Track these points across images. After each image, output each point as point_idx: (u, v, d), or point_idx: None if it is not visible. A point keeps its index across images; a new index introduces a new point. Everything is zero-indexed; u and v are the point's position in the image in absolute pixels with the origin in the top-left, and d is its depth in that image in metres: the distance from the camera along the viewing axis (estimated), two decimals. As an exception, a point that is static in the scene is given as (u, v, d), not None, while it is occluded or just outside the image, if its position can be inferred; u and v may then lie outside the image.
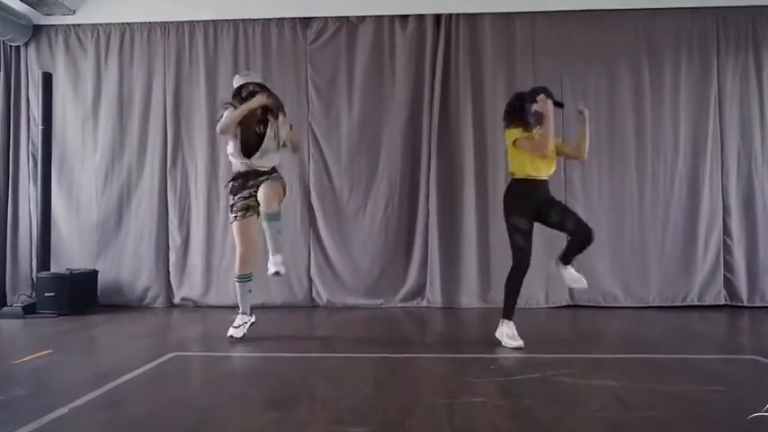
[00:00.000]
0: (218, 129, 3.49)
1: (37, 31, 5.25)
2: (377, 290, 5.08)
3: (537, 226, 3.44)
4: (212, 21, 5.20)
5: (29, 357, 3.07)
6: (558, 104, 3.46)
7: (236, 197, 3.54)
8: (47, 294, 4.55)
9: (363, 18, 5.14)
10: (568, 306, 5.03)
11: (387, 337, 3.71)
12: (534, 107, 3.36)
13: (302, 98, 5.14)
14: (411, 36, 5.11)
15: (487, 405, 2.22)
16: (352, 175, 5.12)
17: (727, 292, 5.04)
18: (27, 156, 5.23)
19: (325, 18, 5.15)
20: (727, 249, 5.05)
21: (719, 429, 2.03)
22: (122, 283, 5.11)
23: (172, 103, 5.19)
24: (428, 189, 5.08)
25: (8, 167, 5.22)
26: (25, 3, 4.90)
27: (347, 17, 5.14)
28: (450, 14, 5.10)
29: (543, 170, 3.40)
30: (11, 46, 5.25)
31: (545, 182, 3.44)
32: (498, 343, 3.31)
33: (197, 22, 5.21)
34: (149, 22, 5.23)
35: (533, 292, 5.00)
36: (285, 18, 5.16)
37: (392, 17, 5.12)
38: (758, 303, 5.00)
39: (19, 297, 4.88)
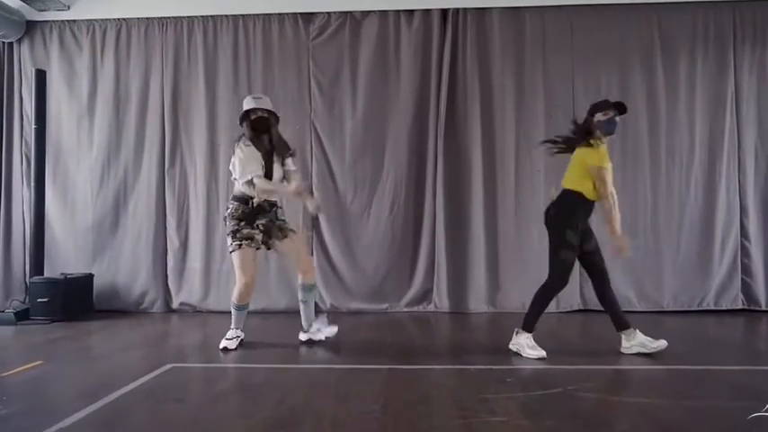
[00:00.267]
0: (244, 186, 3.38)
1: (30, 27, 5.09)
2: (382, 294, 4.92)
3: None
4: (211, 16, 5.04)
5: (17, 370, 2.90)
6: (620, 107, 3.29)
7: (241, 223, 3.36)
8: (40, 300, 4.39)
9: (367, 13, 4.98)
10: (580, 311, 4.87)
11: (394, 345, 3.54)
12: (599, 116, 3.21)
13: (304, 96, 4.97)
14: (417, 31, 4.95)
15: (508, 425, 2.06)
16: (357, 176, 4.96)
17: (745, 295, 4.88)
18: (20, 155, 5.07)
19: (328, 13, 4.99)
20: (744, 251, 4.89)
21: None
22: (119, 288, 4.95)
23: (170, 101, 5.03)
24: (435, 189, 4.91)
25: (1, 168, 5.05)
26: (18, -2, 4.74)
27: (351, 12, 4.97)
28: (458, 9, 4.93)
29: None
30: (4, 42, 5.09)
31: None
32: (514, 354, 3.14)
33: (196, 17, 5.04)
34: (146, 18, 5.07)
35: (544, 297, 4.84)
36: (286, 13, 5.00)
37: (397, 12, 4.96)
38: (776, 307, 4.84)
39: (11, 303, 4.71)
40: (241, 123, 3.49)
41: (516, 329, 3.24)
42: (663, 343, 3.14)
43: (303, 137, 4.88)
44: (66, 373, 2.92)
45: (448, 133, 4.90)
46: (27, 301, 4.56)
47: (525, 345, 3.13)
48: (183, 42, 5.06)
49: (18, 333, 4.05)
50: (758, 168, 4.91)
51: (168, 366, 2.90)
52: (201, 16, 5.03)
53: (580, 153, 3.25)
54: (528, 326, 3.20)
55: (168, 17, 5.05)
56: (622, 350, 3.26)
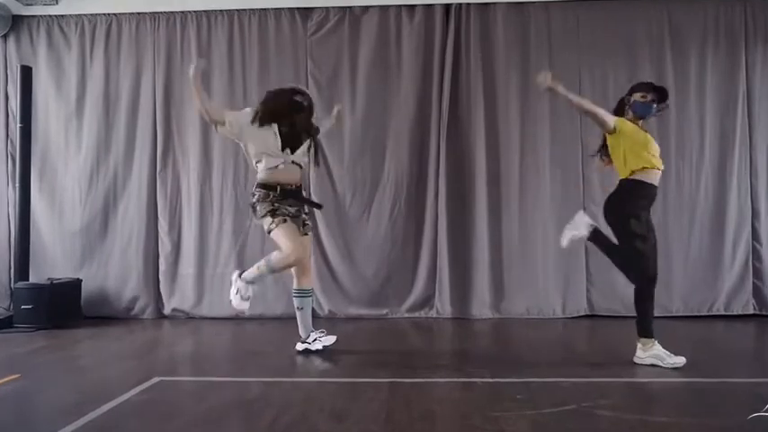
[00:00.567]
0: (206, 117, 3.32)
1: (17, 22, 4.89)
2: (382, 299, 4.74)
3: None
4: (205, 11, 4.85)
5: (-8, 384, 2.72)
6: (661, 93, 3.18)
7: (275, 204, 3.16)
8: (24, 307, 4.19)
9: (367, 8, 4.80)
10: (586, 316, 4.70)
11: (394, 355, 3.36)
12: (636, 96, 3.11)
13: (302, 94, 4.79)
14: (418, 27, 4.77)
15: (521, 449, 1.88)
16: (356, 177, 4.78)
17: (756, 300, 4.71)
18: (6, 155, 4.88)
19: (327, 8, 4.81)
20: (756, 255, 4.72)
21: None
22: (108, 293, 4.76)
23: (162, 99, 4.85)
24: (437, 191, 4.74)
25: (-14, 168, 4.87)
26: (4, -9, 4.56)
27: (350, 7, 4.79)
28: (461, 4, 4.75)
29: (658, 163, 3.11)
30: (-11, 38, 4.91)
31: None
32: (522, 365, 2.97)
33: (189, 12, 4.86)
34: (138, 13, 4.88)
35: (550, 302, 4.69)
36: (283, 8, 4.82)
37: (398, 7, 4.78)
38: (789, 313, 4.69)
39: (-5, 309, 4.53)
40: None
41: (641, 340, 3.04)
42: (681, 360, 2.96)
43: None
44: (45, 387, 2.73)
45: (450, 133, 4.73)
46: (11, 307, 4.37)
47: (662, 354, 2.96)
48: (175, 38, 4.88)
49: None
50: (770, 169, 4.76)
51: (156, 380, 2.72)
52: (195, 11, 4.85)
53: (609, 145, 3.16)
54: (648, 331, 3.02)
55: (160, 12, 4.87)
56: (636, 360, 3.10)
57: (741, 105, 4.73)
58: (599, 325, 4.47)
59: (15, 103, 4.71)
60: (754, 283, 4.70)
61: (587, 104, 3.13)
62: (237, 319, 4.66)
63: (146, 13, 4.88)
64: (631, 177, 3.05)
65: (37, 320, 4.19)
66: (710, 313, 4.65)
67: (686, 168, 4.73)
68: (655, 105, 3.12)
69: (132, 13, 4.88)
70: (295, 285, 3.36)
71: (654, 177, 3.08)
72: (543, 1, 4.74)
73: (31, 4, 4.82)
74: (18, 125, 4.59)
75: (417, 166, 4.77)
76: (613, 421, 2.16)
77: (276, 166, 3.19)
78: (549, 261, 4.70)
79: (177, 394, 2.60)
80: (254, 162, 3.33)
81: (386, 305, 4.74)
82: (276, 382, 2.74)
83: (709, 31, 4.74)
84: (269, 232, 3.15)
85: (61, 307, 4.33)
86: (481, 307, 4.68)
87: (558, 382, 2.68)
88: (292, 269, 3.34)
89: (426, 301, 4.75)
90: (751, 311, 4.66)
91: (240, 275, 3.20)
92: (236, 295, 3.17)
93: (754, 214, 4.73)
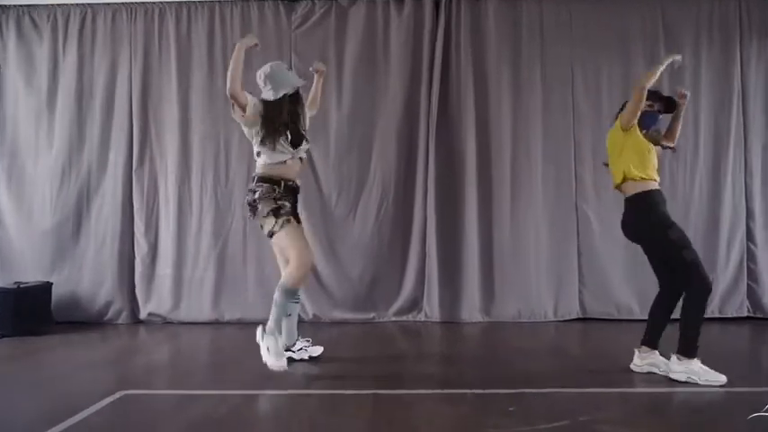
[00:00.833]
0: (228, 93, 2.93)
1: (-15, 12, 4.67)
2: (368, 302, 4.57)
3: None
4: (185, 2, 4.65)
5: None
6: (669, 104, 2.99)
7: (278, 202, 2.87)
8: (-12, 313, 3.97)
9: (354, 0, 4.63)
10: (578, 319, 4.58)
11: (380, 363, 3.19)
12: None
13: (285, 89, 4.60)
14: (407, 21, 4.61)
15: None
16: (342, 176, 4.60)
17: (751, 303, 4.63)
18: (-28, 152, 4.65)
19: (312, 0, 4.63)
20: (750, 256, 4.63)
21: None
22: (81, 297, 4.53)
23: (138, 94, 4.64)
24: (426, 191, 4.58)
25: (-49, 165, 4.63)
26: (-31, -21, 4.33)
27: (336, -1, 4.63)
28: (451, -3, 4.61)
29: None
30: (-45, 29, 4.66)
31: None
32: (516, 375, 2.81)
33: (168, 3, 4.66)
34: (114, 3, 4.66)
35: (541, 305, 4.56)
36: (267, 0, 4.63)
37: (386, 0, 4.61)
38: (783, 315, 4.60)
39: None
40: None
41: (681, 357, 2.76)
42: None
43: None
44: None
45: (440, 130, 4.57)
46: (-24, 313, 4.13)
47: (702, 372, 2.71)
48: (153, 31, 4.67)
49: (-40, 351, 3.63)
50: (765, 169, 4.65)
51: (120, 394, 2.51)
52: (174, 2, 4.65)
53: (608, 140, 2.96)
54: (692, 351, 2.74)
55: (137, 2, 4.66)
56: (632, 367, 2.96)
57: (736, 103, 4.63)
58: (592, 328, 4.34)
59: (-18, 98, 4.49)
60: (748, 284, 4.62)
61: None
62: (217, 323, 4.48)
63: (122, 4, 4.67)
64: (638, 192, 2.86)
65: (2, 327, 3.96)
66: (705, 315, 4.52)
67: (680, 167, 4.62)
68: (660, 116, 2.95)
69: (108, 4, 4.67)
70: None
71: (654, 184, 2.92)
72: (535, -6, 4.60)
73: (0, -7, 4.59)
74: (-16, 120, 4.36)
75: (405, 165, 4.61)
76: (613, 438, 2.02)
77: (284, 161, 2.94)
78: (541, 263, 4.57)
79: (141, 411, 2.39)
80: (255, 151, 3.01)
81: (372, 309, 4.57)
82: (251, 396, 2.55)
83: (703, 27, 4.63)
84: (271, 235, 2.83)
85: (29, 312, 4.10)
86: (471, 310, 4.53)
87: (553, 393, 2.53)
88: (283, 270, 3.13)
89: (414, 304, 4.60)
90: (745, 314, 4.58)
91: (264, 331, 2.83)
92: (269, 353, 2.75)
93: (749, 214, 4.63)
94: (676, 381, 2.75)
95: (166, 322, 4.52)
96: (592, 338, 4.06)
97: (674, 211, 4.46)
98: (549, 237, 4.58)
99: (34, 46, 4.69)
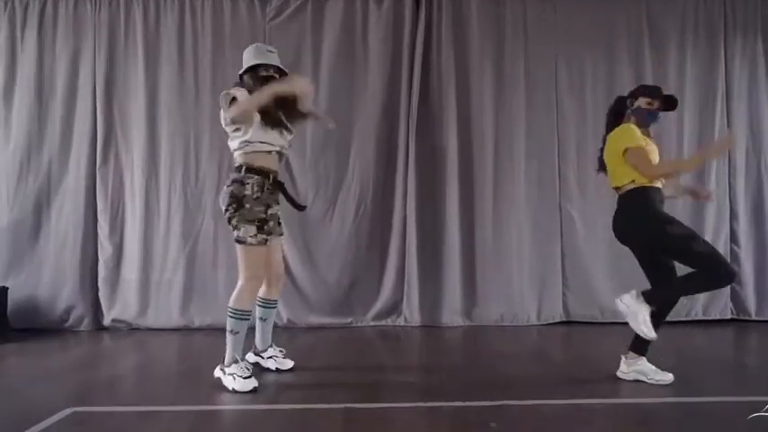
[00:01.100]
0: (230, 115, 2.55)
1: (-63, -1, 4.38)
2: (346, 307, 4.39)
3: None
4: (153, -9, 4.42)
5: None
6: (669, 103, 2.79)
7: (268, 211, 2.65)
8: (-65, 320, 3.69)
9: (331, -8, 4.45)
10: (562, 322, 4.47)
11: (355, 372, 3.00)
12: (641, 101, 2.74)
13: (259, 84, 4.40)
14: (387, 14, 4.44)
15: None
16: (318, 175, 4.42)
17: (734, 305, 4.58)
18: None
19: (287, -9, 4.45)
20: (734, 258, 4.57)
21: None
22: (40, 303, 4.26)
23: (103, 89, 4.39)
24: (405, 190, 4.42)
25: None
26: None
27: (312, -10, 4.44)
28: (432, -10, 4.46)
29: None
30: None
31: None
32: (495, 384, 2.64)
33: (134, -8, 4.42)
34: (76, -8, 4.42)
35: (525, 308, 4.43)
36: (240, -10, 4.43)
37: (365, -7, 4.46)
38: (767, 318, 4.54)
39: None
40: (241, 79, 2.72)
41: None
42: (668, 377, 2.71)
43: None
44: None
45: (420, 128, 4.42)
46: (-77, 320, 3.85)
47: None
48: (119, 22, 4.42)
49: None
50: (749, 169, 4.61)
51: (68, 411, 2.29)
52: (141, -9, 4.42)
53: (610, 141, 2.75)
54: (653, 300, 2.65)
55: (102, -8, 4.42)
56: (619, 374, 2.84)
57: (720, 101, 4.57)
58: (576, 332, 4.23)
59: (-68, 90, 4.20)
60: (732, 286, 4.54)
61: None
62: (186, 330, 4.26)
63: (85, -7, 4.42)
64: (636, 188, 2.66)
65: (-50, 335, 3.70)
66: (688, 318, 4.47)
67: (664, 167, 4.54)
68: (659, 114, 2.79)
69: (70, -7, 4.42)
70: (262, 293, 2.92)
71: (656, 182, 2.71)
72: (518, -11, 4.48)
73: (-47, -20, 4.30)
74: (-66, 114, 4.07)
75: (385, 163, 4.44)
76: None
77: (270, 152, 2.70)
78: (524, 264, 4.45)
79: (88, 431, 2.17)
80: (241, 140, 2.67)
81: (350, 313, 4.40)
82: (214, 413, 2.35)
83: (688, 23, 4.57)
84: (239, 242, 2.61)
85: (-18, 319, 3.84)
86: (452, 314, 4.39)
87: (536, 405, 2.38)
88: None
89: (394, 308, 4.43)
90: (729, 316, 4.53)
91: (223, 366, 2.65)
92: (234, 381, 2.56)
93: (733, 215, 4.58)
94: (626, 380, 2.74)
95: (132, 329, 4.28)
96: (576, 343, 3.95)
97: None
98: (532, 238, 4.46)
99: (-10, 36, 4.41)
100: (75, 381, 2.87)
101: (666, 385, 2.67)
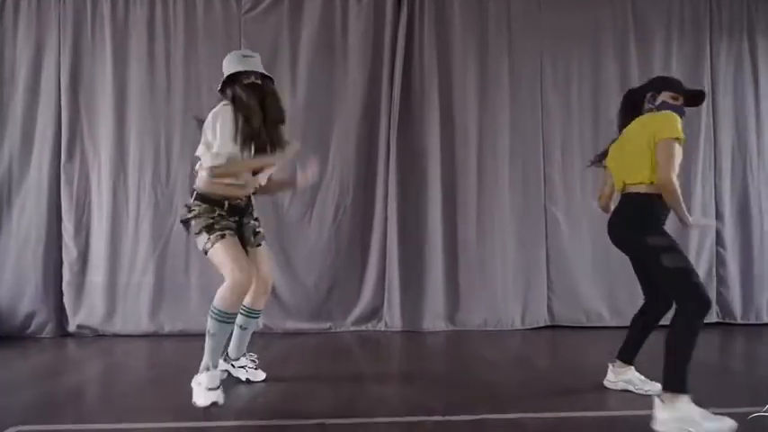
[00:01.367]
0: (214, 173, 2.42)
1: None
2: (324, 312, 4.24)
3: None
4: (122, -18, 4.22)
5: None
6: (696, 97, 2.51)
7: (213, 218, 2.47)
8: None
9: (309, -16, 4.30)
10: (547, 327, 4.36)
11: (331, 383, 2.84)
12: (665, 96, 2.44)
13: (234, 79, 4.22)
14: (367, 8, 4.30)
15: None
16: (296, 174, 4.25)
17: (720, 308, 4.52)
18: None
19: (263, -18, 4.28)
20: (720, 261, 4.52)
21: None
22: (-1, 308, 4.05)
23: (68, 84, 4.18)
24: (386, 191, 4.27)
25: None
26: None
27: (290, -18, 4.27)
28: (414, -16, 4.33)
29: None
30: None
31: None
32: (483, 395, 2.50)
33: (102, -18, 4.22)
34: (39, -18, 4.20)
35: (509, 312, 4.32)
36: (213, -19, 4.25)
37: (344, -15, 4.30)
38: (753, 321, 4.51)
39: None
40: (223, 91, 2.52)
41: (660, 395, 2.19)
42: (657, 387, 2.60)
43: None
44: None
45: (402, 126, 4.28)
46: None
47: (697, 415, 2.10)
48: (85, 15, 4.22)
49: None
50: (735, 171, 4.56)
51: (11, 430, 2.10)
52: (109, -19, 4.22)
53: (643, 126, 2.37)
54: (681, 386, 2.14)
55: (67, -18, 4.20)
56: (606, 383, 2.72)
57: (706, 101, 4.48)
58: (561, 336, 4.13)
59: None
60: (718, 290, 4.50)
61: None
62: (155, 336, 4.07)
63: (49, -17, 4.20)
64: (650, 192, 2.36)
65: None
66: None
67: (651, 168, 4.46)
68: (685, 111, 2.47)
69: (33, -19, 4.19)
70: (247, 302, 2.75)
71: None
72: (503, -17, 4.37)
73: None
74: None
75: (365, 163, 4.30)
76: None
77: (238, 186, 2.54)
78: (508, 267, 4.33)
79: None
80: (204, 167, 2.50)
81: (329, 318, 4.24)
82: (174, 430, 2.18)
83: (674, 19, 4.50)
84: (206, 252, 2.49)
85: (-66, 326, 3.60)
86: (434, 319, 4.25)
87: (520, 419, 2.24)
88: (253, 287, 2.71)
89: (374, 313, 4.29)
90: (715, 320, 4.45)
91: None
92: (200, 390, 2.35)
93: (719, 217, 4.52)
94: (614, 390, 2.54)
95: (98, 335, 4.08)
96: (561, 349, 3.83)
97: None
98: (516, 240, 4.35)
99: (-53, 27, 4.17)
100: (28, 394, 2.66)
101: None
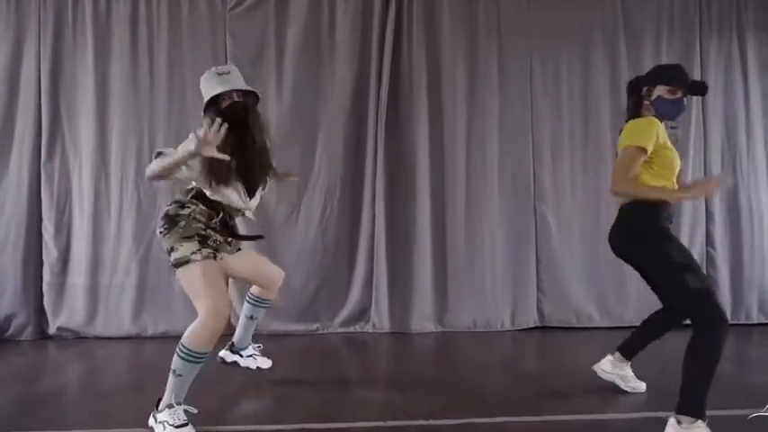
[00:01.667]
0: (147, 173, 2.22)
1: None
2: (312, 313, 4.18)
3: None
4: (103, -23, 4.14)
5: None
6: (698, 89, 2.33)
7: (208, 230, 2.24)
8: None
9: (297, -19, 4.23)
10: (537, 328, 4.32)
11: (315, 386, 2.78)
12: (661, 90, 2.25)
13: (219, 78, 4.14)
14: (355, 6, 4.24)
15: None
16: (282, 174, 4.19)
17: (711, 309, 4.48)
18: None
19: (249, -22, 4.20)
20: (710, 260, 4.49)
21: None
22: (-24, 311, 3.95)
23: (48, 81, 4.08)
24: (374, 191, 4.21)
25: None
26: None
27: (277, -22, 4.21)
28: (402, -18, 4.27)
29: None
30: None
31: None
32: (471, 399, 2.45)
33: (83, -23, 4.13)
34: (19, -23, 4.10)
35: (498, 313, 4.28)
36: (198, -23, 4.18)
37: (331, -18, 4.24)
38: (742, 321, 4.47)
39: None
40: (206, 114, 2.32)
41: (677, 416, 2.03)
42: (642, 386, 2.56)
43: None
44: None
45: (390, 125, 4.22)
46: None
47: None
48: (66, 11, 4.12)
49: None
50: (724, 169, 4.52)
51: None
52: (90, -24, 4.13)
53: (621, 135, 2.25)
54: (699, 410, 2.01)
55: (47, -24, 4.11)
56: (597, 369, 2.67)
57: (696, 99, 4.47)
58: (551, 338, 4.09)
59: None
60: (708, 289, 4.48)
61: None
62: (138, 338, 3.99)
63: (28, -22, 4.11)
64: (640, 200, 2.23)
65: None
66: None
67: (640, 168, 4.43)
68: (685, 103, 2.30)
69: (12, -23, 4.10)
70: (255, 292, 2.66)
71: None
72: (492, -18, 4.32)
73: None
74: None
75: (353, 163, 4.24)
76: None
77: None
78: (498, 268, 4.29)
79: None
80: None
81: (316, 319, 4.18)
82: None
83: (664, 18, 4.46)
84: (179, 265, 2.14)
85: None
86: (422, 320, 4.20)
87: (506, 423, 2.19)
88: (259, 284, 2.65)
89: (362, 314, 4.23)
90: (705, 320, 4.43)
91: (157, 410, 2.14)
92: (165, 429, 2.07)
93: (709, 217, 4.49)
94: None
95: (79, 338, 3.99)
96: (551, 350, 3.79)
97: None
98: (506, 241, 4.31)
99: (-76, 22, 4.07)
100: (3, 398, 2.58)
101: (645, 399, 2.52)
